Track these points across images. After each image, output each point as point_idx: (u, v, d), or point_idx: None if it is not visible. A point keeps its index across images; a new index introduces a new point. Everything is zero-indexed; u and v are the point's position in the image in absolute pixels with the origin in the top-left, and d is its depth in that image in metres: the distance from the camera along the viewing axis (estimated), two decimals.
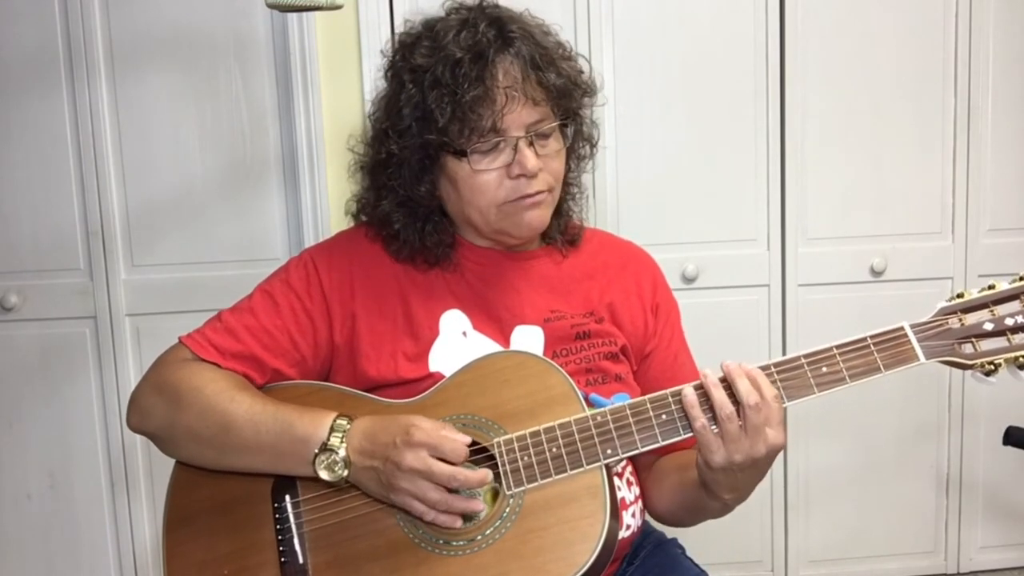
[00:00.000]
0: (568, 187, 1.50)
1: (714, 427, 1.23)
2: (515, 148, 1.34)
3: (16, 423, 2.37)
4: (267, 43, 2.30)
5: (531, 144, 1.35)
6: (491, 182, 1.36)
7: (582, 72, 1.44)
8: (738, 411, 1.21)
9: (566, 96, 1.39)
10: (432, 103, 1.33)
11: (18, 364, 2.36)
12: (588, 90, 1.45)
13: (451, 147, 1.35)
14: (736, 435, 1.21)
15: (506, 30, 1.36)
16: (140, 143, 2.31)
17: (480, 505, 1.26)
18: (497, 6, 1.42)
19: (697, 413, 1.23)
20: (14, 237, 2.33)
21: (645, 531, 1.49)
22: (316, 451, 1.27)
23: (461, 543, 1.25)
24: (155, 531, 2.40)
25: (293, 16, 2.24)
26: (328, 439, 1.27)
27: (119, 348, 2.35)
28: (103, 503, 2.40)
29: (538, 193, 1.37)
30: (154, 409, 1.37)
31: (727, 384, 1.23)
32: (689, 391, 1.24)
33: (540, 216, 1.39)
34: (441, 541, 1.25)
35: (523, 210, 1.37)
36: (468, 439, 1.25)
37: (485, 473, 1.23)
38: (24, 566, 2.41)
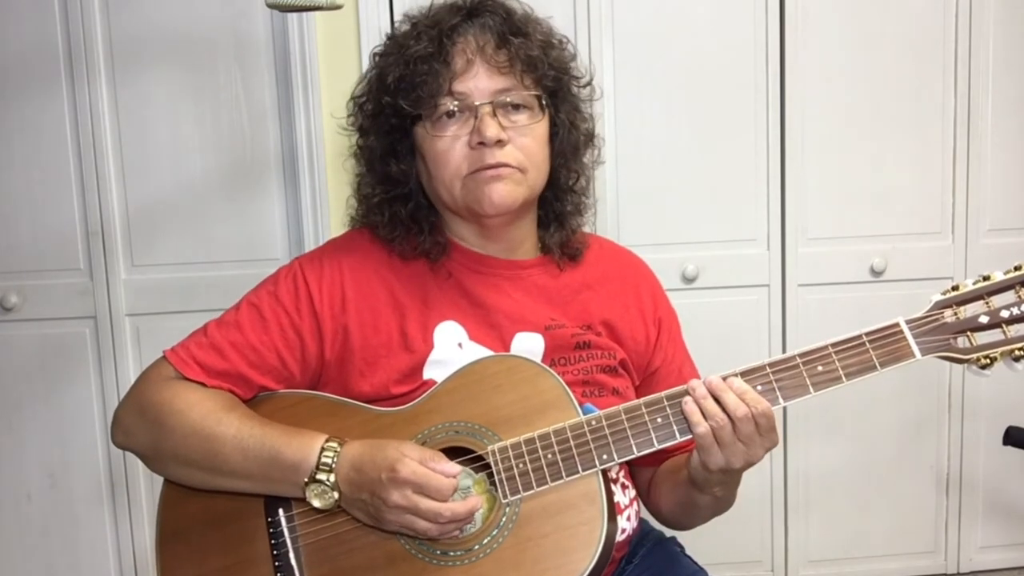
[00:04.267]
0: (569, 195, 1.46)
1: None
2: (476, 116, 1.31)
3: (16, 423, 2.38)
4: (267, 43, 2.30)
5: (494, 114, 1.31)
6: (454, 152, 1.33)
7: (560, 43, 1.40)
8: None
9: (536, 65, 1.34)
10: (387, 66, 1.34)
11: (18, 364, 2.36)
12: (571, 72, 1.41)
13: (402, 110, 1.33)
14: (731, 441, 1.21)
15: (483, 5, 1.35)
16: (140, 143, 2.31)
17: (471, 519, 1.24)
18: None
19: (699, 419, 1.22)
20: (14, 237, 2.33)
21: (644, 530, 1.48)
22: (306, 480, 1.25)
23: (459, 553, 1.24)
24: (154, 531, 2.40)
25: (293, 16, 2.24)
26: (316, 470, 1.24)
27: (119, 348, 2.35)
28: (103, 503, 2.40)
29: (501, 165, 1.32)
30: (137, 430, 1.34)
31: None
32: (689, 401, 1.23)
33: (503, 191, 1.33)
34: (438, 552, 1.24)
35: (484, 183, 1.32)
36: (457, 469, 1.23)
37: (474, 503, 1.23)
38: (24, 566, 2.42)
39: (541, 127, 1.38)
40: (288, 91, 2.30)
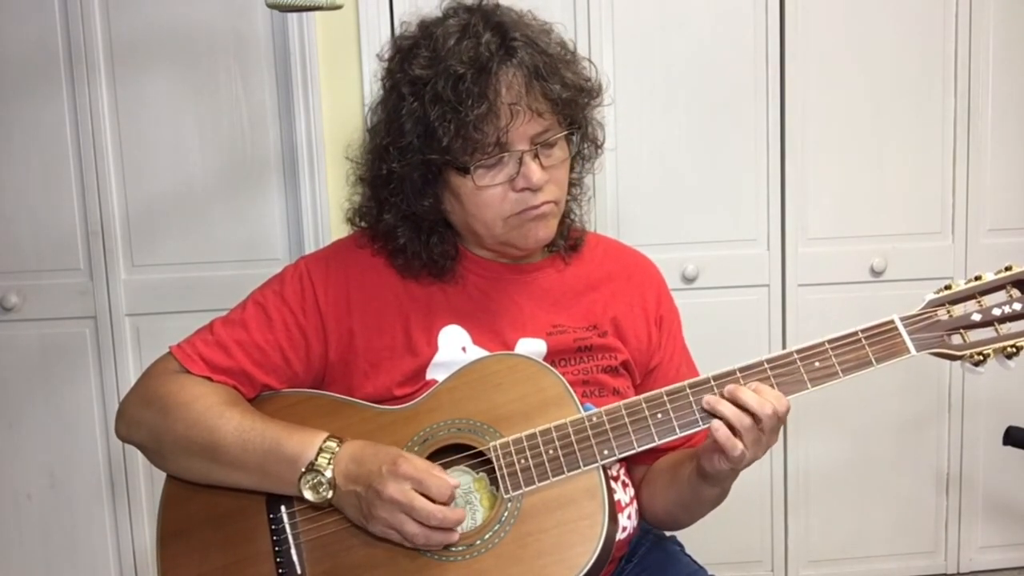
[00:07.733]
0: (570, 189, 1.45)
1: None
2: (519, 161, 1.30)
3: (16, 423, 2.38)
4: (267, 43, 2.31)
5: (536, 156, 1.31)
6: (496, 196, 1.32)
7: (588, 79, 1.39)
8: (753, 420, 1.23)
9: (571, 105, 1.34)
10: (434, 120, 1.27)
11: (18, 364, 2.36)
12: (594, 93, 1.40)
13: (454, 164, 1.31)
14: (757, 438, 1.23)
15: (508, 38, 1.30)
16: (140, 143, 2.32)
17: (456, 536, 1.23)
18: (498, 7, 1.36)
19: (734, 443, 1.21)
20: (14, 237, 2.33)
21: (643, 529, 1.48)
22: (303, 471, 1.25)
23: (460, 548, 1.24)
24: (155, 531, 2.40)
25: (293, 16, 2.25)
26: (316, 460, 1.25)
27: (119, 348, 2.36)
28: (103, 503, 2.41)
29: (544, 204, 1.33)
30: (142, 421, 1.35)
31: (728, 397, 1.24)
32: (719, 426, 1.22)
33: (546, 228, 1.35)
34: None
35: (528, 222, 1.34)
36: (456, 482, 1.23)
37: (463, 512, 1.23)
38: (24, 566, 2.42)
39: (568, 153, 1.38)
40: (288, 91, 2.31)
